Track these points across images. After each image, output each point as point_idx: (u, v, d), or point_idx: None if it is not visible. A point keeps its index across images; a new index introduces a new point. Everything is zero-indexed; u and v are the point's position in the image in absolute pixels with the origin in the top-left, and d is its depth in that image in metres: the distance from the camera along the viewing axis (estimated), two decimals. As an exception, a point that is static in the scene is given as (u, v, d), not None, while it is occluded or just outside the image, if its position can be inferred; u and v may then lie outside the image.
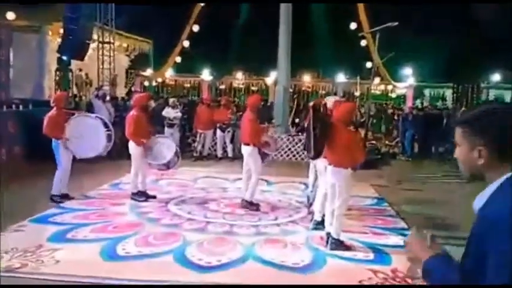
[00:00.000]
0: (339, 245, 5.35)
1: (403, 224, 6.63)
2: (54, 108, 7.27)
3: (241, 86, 28.61)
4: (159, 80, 27.36)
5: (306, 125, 5.48)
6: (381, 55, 21.10)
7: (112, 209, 6.80)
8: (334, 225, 5.33)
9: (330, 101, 5.80)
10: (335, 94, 25.68)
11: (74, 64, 14.60)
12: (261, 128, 6.97)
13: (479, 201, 1.55)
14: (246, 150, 6.87)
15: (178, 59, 26.21)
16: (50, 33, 14.14)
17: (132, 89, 22.42)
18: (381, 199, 8.27)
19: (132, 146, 7.01)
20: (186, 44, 25.15)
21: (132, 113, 7.07)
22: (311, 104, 6.01)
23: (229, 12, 24.60)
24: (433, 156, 13.98)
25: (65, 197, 7.14)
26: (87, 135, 7.08)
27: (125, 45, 20.70)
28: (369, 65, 22.58)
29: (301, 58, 24.40)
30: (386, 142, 15.36)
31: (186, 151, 12.57)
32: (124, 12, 19.38)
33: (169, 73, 27.41)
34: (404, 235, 6.04)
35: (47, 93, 13.11)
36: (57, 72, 13.03)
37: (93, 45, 15.10)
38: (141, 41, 22.08)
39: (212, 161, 11.81)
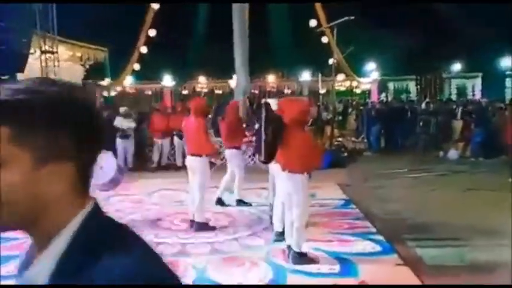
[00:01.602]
0: (301, 258, 4.85)
1: (371, 228, 6.19)
2: None
3: (205, 90, 28.01)
4: (118, 89, 26.46)
5: (257, 127, 4.96)
6: (342, 50, 20.99)
7: None
8: (295, 238, 4.83)
9: (273, 102, 5.29)
10: (300, 93, 25.46)
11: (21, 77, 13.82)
12: (209, 134, 6.36)
13: None
14: (194, 161, 6.17)
15: (136, 66, 25.38)
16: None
17: (93, 100, 21.51)
18: (348, 200, 7.84)
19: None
20: (144, 50, 24.34)
21: None
22: (263, 102, 5.49)
23: (186, 13, 23.96)
24: (400, 150, 13.73)
25: None
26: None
27: (78, 54, 19.84)
28: (331, 61, 22.36)
29: (264, 59, 24.08)
30: (353, 139, 15.03)
31: (143, 162, 11.94)
32: (74, 19, 18.55)
33: (128, 81, 26.57)
34: (372, 240, 5.63)
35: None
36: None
37: (36, 56, 14.22)
38: (96, 49, 21.20)
39: (172, 171, 11.17)
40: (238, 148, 7.37)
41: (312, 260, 4.90)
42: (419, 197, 8.10)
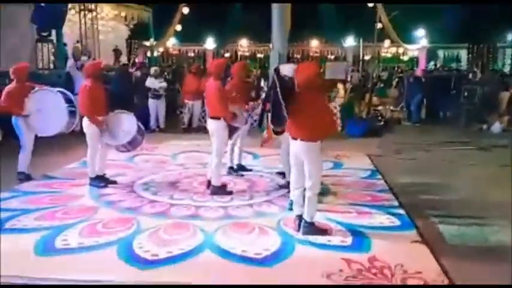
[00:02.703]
0: (312, 229, 4.66)
1: (393, 201, 5.89)
2: (14, 81, 6.65)
3: (246, 53, 27.65)
4: (161, 50, 26.52)
5: (271, 93, 4.67)
6: (389, 15, 20.03)
7: (70, 191, 6.17)
8: (307, 208, 4.61)
9: (287, 68, 4.92)
10: (344, 59, 24.68)
11: (67, 35, 13.99)
12: (227, 97, 6.13)
13: None
14: (212, 124, 6.03)
15: (178, 28, 25.21)
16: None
17: (136, 60, 21.67)
18: (375, 171, 7.51)
19: (85, 124, 6.18)
20: (186, 10, 24.05)
21: (85, 84, 6.20)
22: (274, 68, 5.17)
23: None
24: (441, 121, 13.10)
25: (26, 178, 6.60)
26: (49, 111, 6.38)
27: (123, 14, 19.87)
28: (378, 26, 21.46)
29: (308, 23, 23.40)
30: (391, 107, 14.44)
31: (175, 123, 11.95)
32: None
33: (171, 42, 26.55)
34: (393, 214, 5.36)
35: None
36: (38, 44, 12.28)
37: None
38: (140, 9, 21.19)
39: (201, 133, 11.07)
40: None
41: (324, 231, 4.70)
42: (454, 171, 7.66)
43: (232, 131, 6.17)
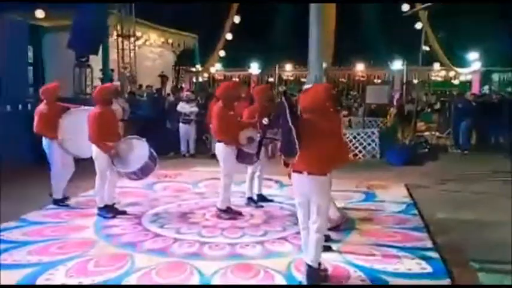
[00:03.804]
0: (319, 276, 4.02)
1: (427, 241, 5.15)
2: (44, 102, 6.51)
3: (290, 77, 27.28)
4: (206, 75, 26.68)
5: (278, 120, 4.12)
6: (438, 37, 19.13)
7: (76, 221, 5.82)
8: (311, 251, 3.98)
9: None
10: (391, 82, 23.80)
11: (113, 61, 14.32)
12: (230, 121, 5.74)
13: None
14: (217, 148, 5.86)
15: (222, 53, 25.33)
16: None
17: (183, 85, 21.85)
18: (411, 205, 6.75)
19: (95, 151, 5.84)
20: (229, 36, 24.13)
21: (94, 110, 5.87)
22: (282, 91, 4.68)
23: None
24: (492, 149, 12.02)
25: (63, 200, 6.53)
26: (84, 132, 5.89)
27: (170, 40, 20.18)
28: (423, 49, 20.58)
29: (353, 47, 22.86)
30: (437, 134, 13.50)
31: (204, 148, 11.63)
32: (165, 7, 18.94)
33: (215, 68, 26.68)
34: (425, 258, 4.63)
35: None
36: (76, 69, 12.39)
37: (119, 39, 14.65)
38: (186, 36, 21.50)
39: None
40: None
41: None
42: (504, 207, 6.71)
43: (244, 156, 5.74)
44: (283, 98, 4.03)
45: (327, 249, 4.57)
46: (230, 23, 24.09)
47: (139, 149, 5.93)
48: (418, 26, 21.75)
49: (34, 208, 6.31)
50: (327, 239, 4.80)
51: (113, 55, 14.80)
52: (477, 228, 5.75)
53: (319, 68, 12.94)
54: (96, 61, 12.88)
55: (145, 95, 13.72)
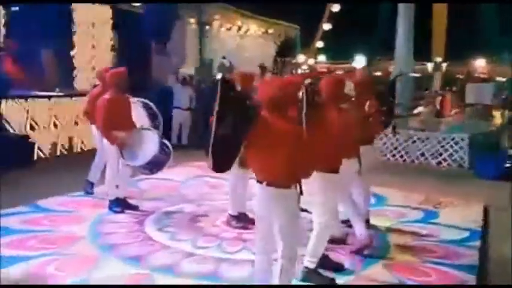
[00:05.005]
0: (312, 276, 3.65)
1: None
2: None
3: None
4: (305, 67, 25.94)
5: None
6: None
7: (66, 229, 4.99)
8: (311, 246, 3.70)
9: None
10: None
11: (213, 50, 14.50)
12: None
13: None
14: None
15: (320, 44, 24.38)
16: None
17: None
18: (477, 232, 5.35)
19: (105, 140, 5.39)
20: (327, 27, 23.07)
21: (104, 96, 5.32)
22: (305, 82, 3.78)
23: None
24: None
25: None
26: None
27: (270, 31, 19.88)
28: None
29: (470, 42, 20.59)
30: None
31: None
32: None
33: (313, 60, 25.80)
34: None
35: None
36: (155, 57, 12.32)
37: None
38: (288, 26, 21.07)
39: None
40: None
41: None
42: None
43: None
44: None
45: (329, 281, 3.69)
46: (328, 11, 23.06)
47: (148, 142, 5.36)
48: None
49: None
50: (338, 267, 3.89)
51: (214, 44, 15.12)
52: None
53: (406, 62, 12.06)
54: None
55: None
